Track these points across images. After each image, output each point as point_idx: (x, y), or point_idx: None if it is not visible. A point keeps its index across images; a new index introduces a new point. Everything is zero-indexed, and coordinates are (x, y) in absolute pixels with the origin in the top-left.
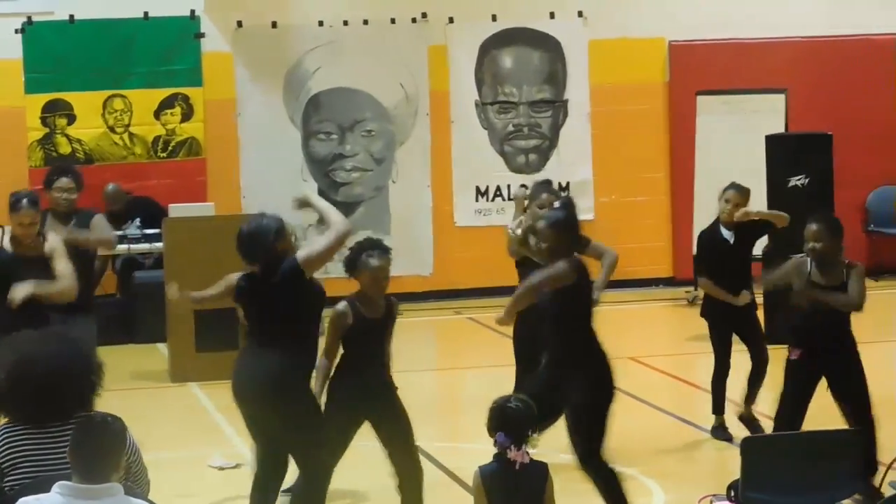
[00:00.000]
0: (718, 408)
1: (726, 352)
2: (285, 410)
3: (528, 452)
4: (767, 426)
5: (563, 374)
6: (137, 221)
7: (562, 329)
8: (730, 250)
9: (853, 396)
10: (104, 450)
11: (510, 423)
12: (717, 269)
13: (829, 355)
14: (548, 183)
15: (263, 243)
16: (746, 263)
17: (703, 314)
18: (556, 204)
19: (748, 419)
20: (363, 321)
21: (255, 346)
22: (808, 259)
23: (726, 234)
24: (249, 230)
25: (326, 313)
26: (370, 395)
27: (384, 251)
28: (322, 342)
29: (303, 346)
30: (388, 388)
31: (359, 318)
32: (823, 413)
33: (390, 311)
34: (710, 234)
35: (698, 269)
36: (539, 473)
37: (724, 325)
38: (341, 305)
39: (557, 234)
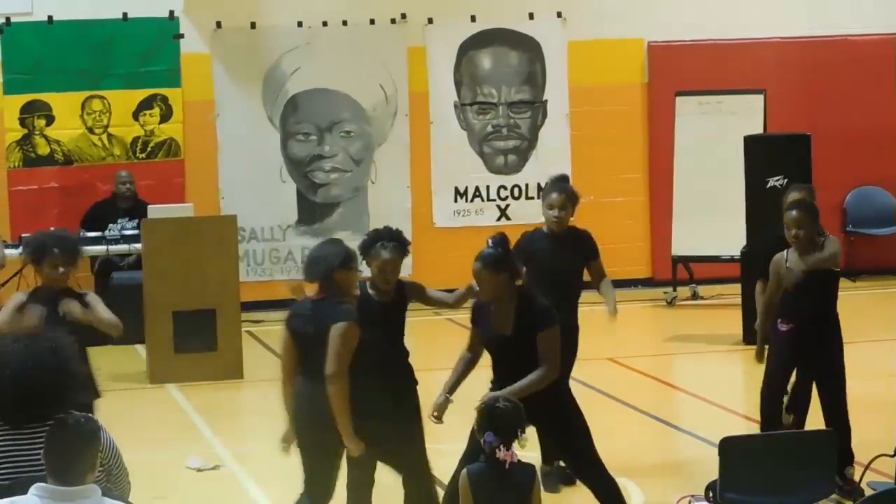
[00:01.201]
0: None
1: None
2: (362, 430)
3: (516, 453)
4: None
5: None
6: (135, 222)
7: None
8: None
9: (830, 377)
10: (78, 451)
11: (499, 423)
12: None
13: (815, 332)
14: (563, 179)
15: (323, 269)
16: None
17: None
18: (489, 242)
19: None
20: (370, 302)
21: (306, 373)
22: (786, 250)
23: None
24: (315, 253)
25: None
26: (388, 377)
27: (400, 244)
28: None
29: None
30: (406, 373)
31: (366, 298)
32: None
33: (401, 294)
34: (778, 241)
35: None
36: (526, 475)
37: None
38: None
39: (494, 273)
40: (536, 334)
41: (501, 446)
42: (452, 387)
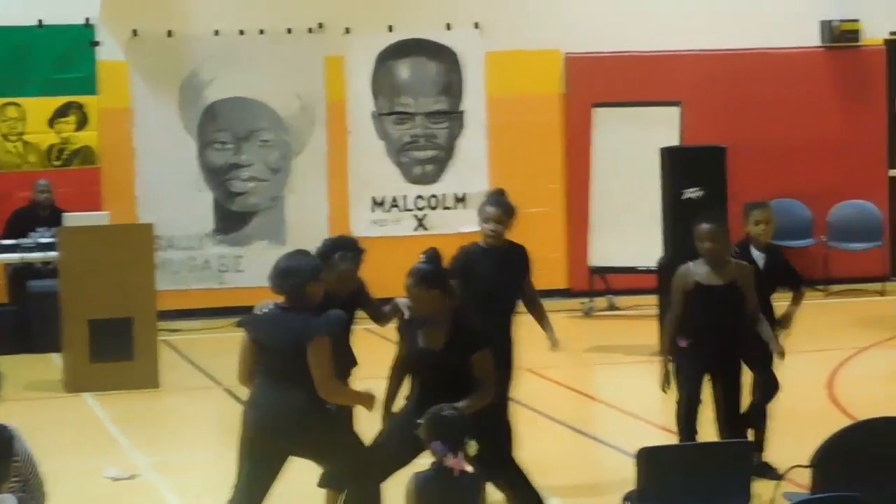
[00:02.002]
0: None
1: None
2: (317, 438)
3: (464, 461)
4: None
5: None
6: (53, 231)
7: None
8: (758, 274)
9: (727, 399)
10: None
11: (446, 431)
12: None
13: (717, 355)
14: (500, 193)
15: (295, 282)
16: (772, 291)
17: None
18: (422, 257)
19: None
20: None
21: (270, 380)
22: (689, 263)
23: (757, 255)
24: (285, 265)
25: None
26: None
27: (356, 254)
28: None
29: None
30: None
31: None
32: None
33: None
34: (740, 253)
35: None
36: (474, 483)
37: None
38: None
39: (427, 290)
40: (470, 355)
41: (449, 454)
42: (390, 402)
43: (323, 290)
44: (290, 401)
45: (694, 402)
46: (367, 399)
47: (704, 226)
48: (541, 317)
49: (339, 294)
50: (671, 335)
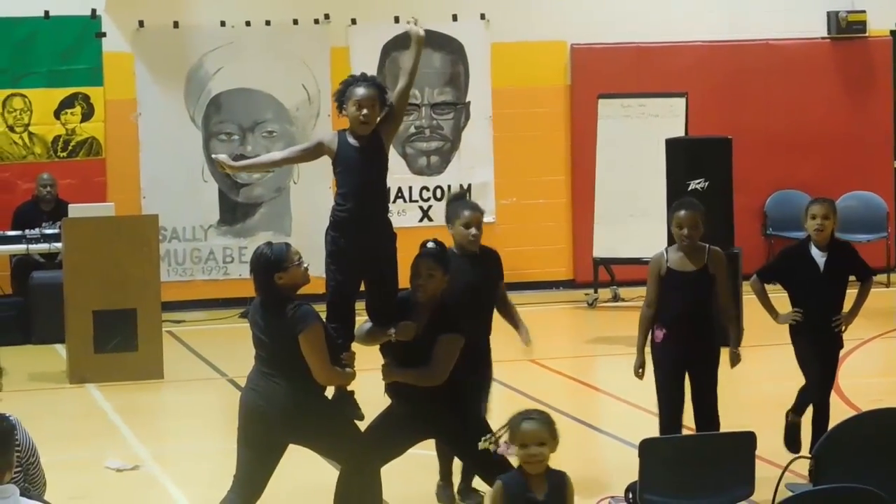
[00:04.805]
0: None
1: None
2: (311, 427)
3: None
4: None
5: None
6: (58, 225)
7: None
8: (818, 276)
9: (704, 389)
10: None
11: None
12: (801, 294)
13: (693, 342)
14: (462, 196)
15: (265, 277)
16: (838, 292)
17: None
18: (430, 245)
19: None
20: (347, 148)
21: (262, 369)
22: (665, 249)
23: (816, 254)
24: (253, 264)
25: None
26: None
27: (372, 83)
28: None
29: (307, 371)
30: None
31: (343, 144)
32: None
33: (377, 137)
34: (798, 251)
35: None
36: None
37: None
38: (329, 134)
39: (444, 274)
40: (440, 335)
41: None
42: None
43: (298, 272)
44: (279, 392)
45: (676, 411)
46: (351, 376)
47: (683, 212)
48: (513, 318)
49: (360, 133)
50: (647, 326)
